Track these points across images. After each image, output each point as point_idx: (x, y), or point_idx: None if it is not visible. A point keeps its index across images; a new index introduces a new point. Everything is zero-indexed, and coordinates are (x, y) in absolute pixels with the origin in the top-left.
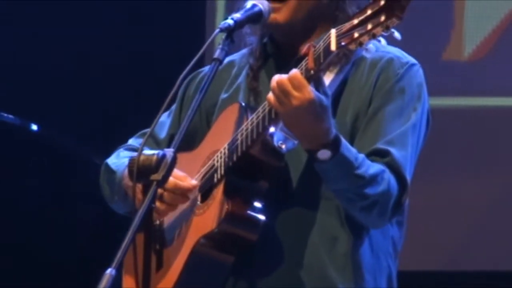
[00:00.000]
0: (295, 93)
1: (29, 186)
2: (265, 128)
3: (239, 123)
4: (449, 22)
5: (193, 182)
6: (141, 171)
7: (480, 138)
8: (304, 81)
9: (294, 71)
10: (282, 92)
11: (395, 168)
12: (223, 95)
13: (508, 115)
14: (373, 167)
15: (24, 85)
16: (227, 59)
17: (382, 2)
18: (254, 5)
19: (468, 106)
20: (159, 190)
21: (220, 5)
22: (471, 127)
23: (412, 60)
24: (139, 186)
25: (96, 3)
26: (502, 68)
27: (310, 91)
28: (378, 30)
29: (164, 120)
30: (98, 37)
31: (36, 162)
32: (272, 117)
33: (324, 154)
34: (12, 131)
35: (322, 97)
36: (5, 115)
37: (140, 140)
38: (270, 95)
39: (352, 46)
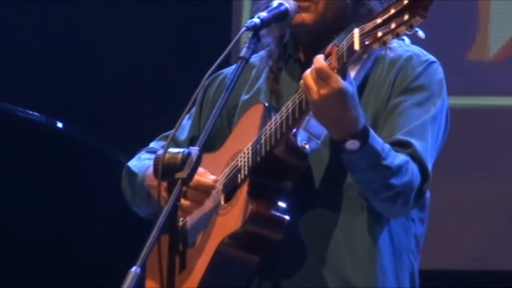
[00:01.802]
0: (323, 83)
1: (55, 183)
2: (289, 128)
3: (262, 123)
4: (474, 22)
5: (213, 177)
6: (166, 169)
7: (504, 137)
8: (331, 71)
9: (320, 63)
10: (313, 77)
11: (417, 159)
12: (244, 97)
13: None
14: (398, 158)
15: (41, 82)
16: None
17: (406, 1)
18: (280, 4)
19: (492, 105)
20: (184, 188)
21: (246, 5)
22: (495, 127)
23: (431, 57)
24: (163, 185)
25: (120, 2)
26: None
27: (338, 80)
28: (402, 29)
29: (184, 123)
30: (122, 36)
31: (61, 159)
32: (296, 117)
33: (353, 144)
34: (37, 129)
35: (349, 86)
36: (31, 112)
37: (161, 143)
38: (305, 81)
39: (375, 45)
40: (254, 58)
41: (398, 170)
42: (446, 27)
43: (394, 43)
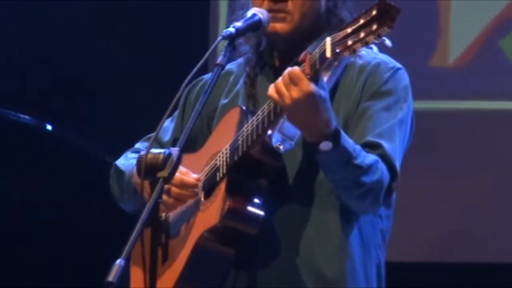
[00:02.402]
0: (294, 87)
1: (43, 184)
2: (264, 130)
3: (239, 125)
4: (435, 31)
5: (195, 175)
6: (149, 169)
7: (464, 138)
8: (302, 75)
9: (293, 69)
10: (285, 83)
11: (386, 159)
12: (223, 101)
13: (490, 117)
14: (368, 158)
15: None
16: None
17: (374, 12)
18: (254, 14)
19: (453, 109)
20: (167, 185)
21: (223, 5)
22: (456, 128)
23: (398, 64)
24: (147, 183)
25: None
26: (484, 73)
27: (308, 84)
28: (370, 38)
29: (167, 125)
30: (100, 37)
31: (51, 161)
32: (271, 120)
33: (326, 145)
34: (28, 131)
35: (321, 90)
36: (21, 115)
37: (146, 144)
38: (272, 91)
39: (346, 53)
40: (232, 65)
41: (369, 168)
42: (410, 35)
43: (363, 51)
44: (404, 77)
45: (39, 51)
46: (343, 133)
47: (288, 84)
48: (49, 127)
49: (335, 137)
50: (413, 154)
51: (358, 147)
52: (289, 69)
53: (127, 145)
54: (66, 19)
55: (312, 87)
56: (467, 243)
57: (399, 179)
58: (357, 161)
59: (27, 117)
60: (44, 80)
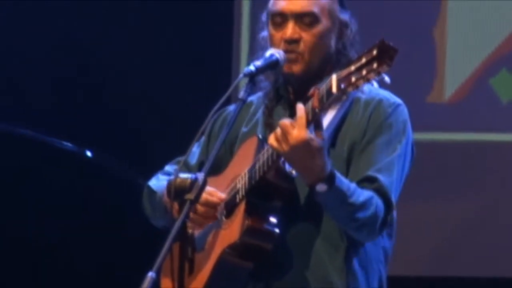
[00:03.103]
0: (291, 133)
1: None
2: (278, 157)
3: (257, 152)
4: (432, 71)
5: (221, 195)
6: (177, 191)
7: (458, 165)
8: (302, 123)
9: (299, 110)
10: (281, 132)
11: (382, 193)
12: (244, 129)
13: (481, 147)
14: (363, 195)
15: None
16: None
17: (375, 52)
18: (272, 55)
19: (448, 140)
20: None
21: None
22: (451, 157)
23: (398, 100)
24: (175, 203)
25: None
26: (476, 108)
27: (304, 132)
28: (371, 75)
29: (194, 150)
30: (122, 55)
31: (90, 185)
32: None
33: (321, 187)
34: (70, 157)
35: (317, 138)
36: (64, 142)
37: (175, 166)
38: (271, 139)
39: (350, 89)
40: (253, 97)
41: (363, 205)
42: (409, 73)
43: (367, 87)
44: (404, 112)
45: (71, 69)
46: (338, 175)
47: (282, 135)
48: (88, 154)
49: (329, 180)
50: (413, 180)
51: (353, 185)
52: (281, 121)
53: (157, 165)
54: (100, 37)
55: (307, 135)
56: (460, 258)
57: (396, 208)
58: (352, 200)
59: (68, 144)
60: (73, 98)
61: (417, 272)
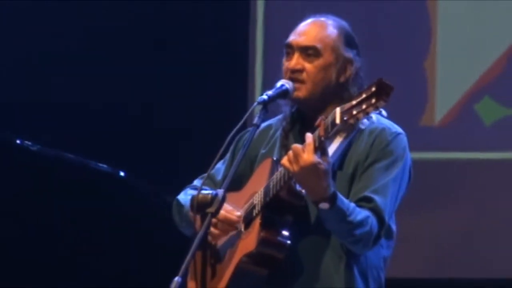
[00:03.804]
0: (301, 157)
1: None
2: (290, 178)
3: (271, 172)
4: (425, 98)
5: (238, 213)
6: (200, 205)
7: (448, 181)
8: (310, 148)
9: (308, 138)
10: (293, 155)
11: (377, 212)
12: (263, 150)
13: (467, 165)
14: (360, 214)
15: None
16: (267, 123)
17: (373, 89)
18: (282, 85)
19: (439, 158)
20: (214, 220)
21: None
22: (442, 174)
23: (399, 130)
24: (198, 216)
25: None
26: (463, 131)
27: (312, 156)
28: (370, 109)
29: (220, 166)
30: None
31: (123, 205)
32: None
33: (324, 205)
34: (105, 178)
35: (324, 163)
36: (99, 164)
37: (201, 181)
38: (284, 160)
39: (351, 121)
40: (273, 121)
41: (359, 224)
42: (405, 101)
43: (365, 119)
44: (403, 140)
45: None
46: (339, 196)
47: (297, 153)
48: (122, 174)
49: (332, 199)
50: (409, 195)
51: (352, 205)
52: (293, 145)
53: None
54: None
55: (314, 159)
56: (445, 262)
57: (396, 222)
58: (350, 218)
59: (104, 165)
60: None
61: (408, 275)
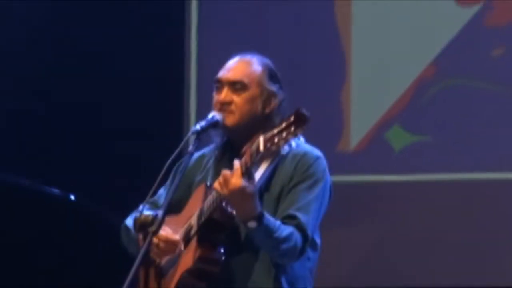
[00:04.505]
0: (230, 181)
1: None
2: (221, 200)
3: (205, 196)
4: (341, 127)
5: (177, 237)
6: (142, 225)
7: (361, 200)
8: (235, 175)
9: (235, 165)
10: (223, 181)
11: (300, 228)
12: (198, 177)
13: (380, 186)
14: (285, 230)
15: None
16: (201, 152)
17: (292, 119)
18: (213, 116)
19: (353, 181)
20: (156, 241)
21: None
22: (355, 195)
23: (319, 153)
24: (140, 235)
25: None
26: (375, 156)
27: (239, 181)
28: (290, 136)
29: (162, 192)
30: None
31: (74, 228)
32: None
33: (252, 224)
34: (55, 202)
35: (248, 186)
36: (48, 187)
37: (147, 207)
38: (216, 184)
39: (274, 148)
40: (206, 150)
41: (285, 239)
42: (323, 128)
43: (286, 146)
44: (323, 163)
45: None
46: (266, 215)
47: (226, 178)
48: (72, 197)
49: (259, 218)
50: (329, 212)
51: (278, 223)
52: (223, 171)
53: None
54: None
55: (241, 183)
56: (383, 270)
57: (320, 236)
58: (276, 235)
59: (55, 189)
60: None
61: (336, 284)
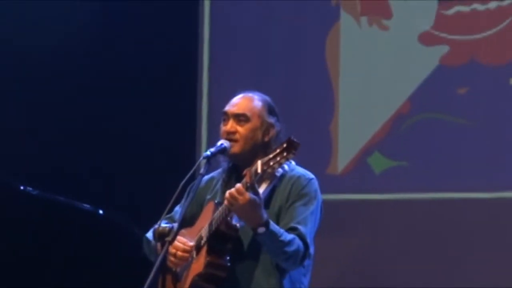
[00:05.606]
0: (239, 198)
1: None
2: (227, 215)
3: (214, 212)
4: (330, 151)
5: (191, 244)
6: (160, 235)
7: (347, 217)
8: (244, 190)
9: (238, 185)
10: (232, 198)
11: (301, 237)
12: (208, 196)
13: (361, 204)
14: (289, 235)
15: None
16: (211, 175)
17: (285, 146)
18: (221, 144)
19: (341, 199)
20: (173, 250)
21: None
22: (343, 211)
23: (311, 175)
24: (159, 244)
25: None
26: (359, 178)
27: (247, 195)
28: (283, 160)
29: (177, 209)
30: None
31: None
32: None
33: (261, 229)
34: (86, 216)
35: (256, 198)
36: (80, 203)
37: (164, 221)
38: (225, 201)
39: (269, 170)
40: (215, 173)
41: (289, 243)
42: (314, 154)
43: (280, 169)
44: (315, 184)
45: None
46: (271, 222)
47: (235, 196)
48: (101, 212)
49: (266, 224)
50: (321, 228)
51: (282, 230)
52: (237, 185)
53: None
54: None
55: (250, 197)
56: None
57: (310, 248)
58: (282, 238)
59: (86, 205)
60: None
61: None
